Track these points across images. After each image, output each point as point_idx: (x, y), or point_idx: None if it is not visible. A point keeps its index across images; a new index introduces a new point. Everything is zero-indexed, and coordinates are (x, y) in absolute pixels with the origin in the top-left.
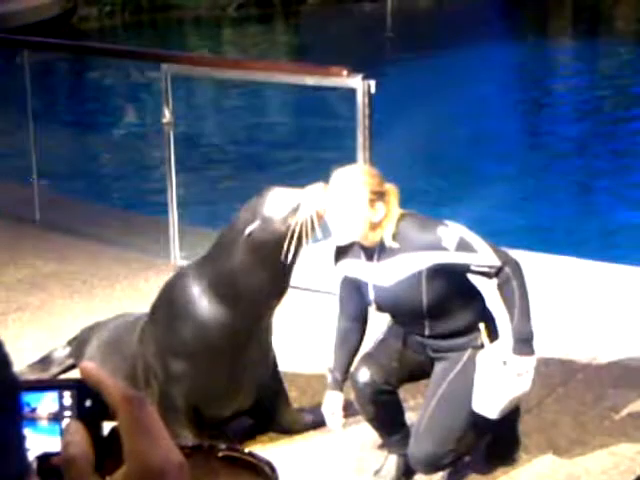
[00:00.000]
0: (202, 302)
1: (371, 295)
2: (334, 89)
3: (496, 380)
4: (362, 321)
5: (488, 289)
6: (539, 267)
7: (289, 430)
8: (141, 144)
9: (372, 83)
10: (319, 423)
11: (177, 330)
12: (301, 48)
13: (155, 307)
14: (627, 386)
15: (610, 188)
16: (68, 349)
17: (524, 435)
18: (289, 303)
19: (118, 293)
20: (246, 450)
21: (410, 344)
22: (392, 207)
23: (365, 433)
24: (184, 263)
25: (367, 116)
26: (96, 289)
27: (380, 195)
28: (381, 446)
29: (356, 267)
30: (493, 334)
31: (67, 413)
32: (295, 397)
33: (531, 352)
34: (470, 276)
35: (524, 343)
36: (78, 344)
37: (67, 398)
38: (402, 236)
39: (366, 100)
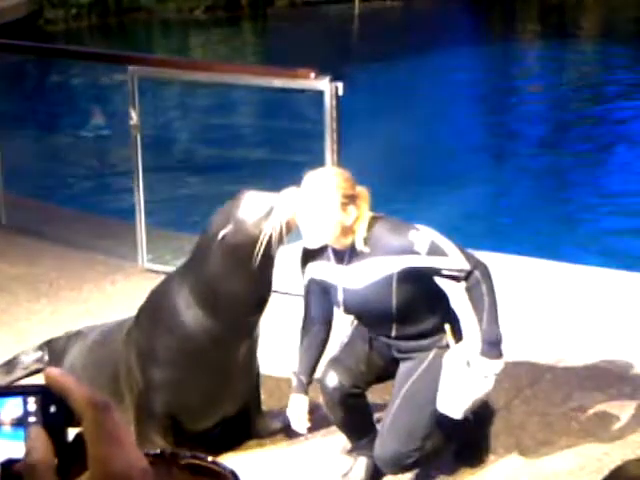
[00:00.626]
0: (183, 309)
1: (339, 298)
2: (303, 91)
3: (461, 381)
4: (327, 324)
5: (453, 290)
6: (507, 269)
7: (259, 435)
8: (108, 147)
9: (340, 85)
10: (288, 427)
11: (158, 337)
12: (269, 50)
13: (140, 313)
14: (594, 387)
15: (580, 188)
16: (37, 353)
17: (492, 436)
18: None
19: (85, 296)
20: (209, 458)
21: (376, 346)
22: (363, 210)
23: (333, 436)
24: (151, 266)
25: (335, 118)
26: (63, 292)
27: (352, 198)
28: (349, 449)
29: (325, 270)
30: (458, 335)
31: (31, 419)
32: (263, 400)
33: (499, 355)
34: (438, 279)
35: (492, 346)
36: (58, 350)
37: (31, 404)
38: (373, 240)
39: (334, 102)
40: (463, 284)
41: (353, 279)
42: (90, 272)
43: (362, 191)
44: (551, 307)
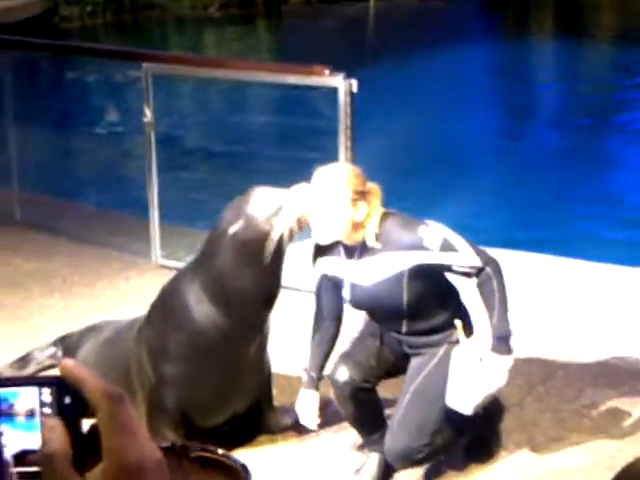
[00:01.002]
0: (193, 305)
1: (348, 294)
2: (317, 88)
3: (471, 376)
4: (337, 320)
5: (464, 285)
6: (519, 266)
7: (270, 431)
8: (123, 143)
9: (354, 82)
10: (299, 423)
11: (169, 333)
12: (283, 48)
13: (151, 309)
14: (606, 384)
15: (590, 188)
16: (51, 349)
17: (504, 433)
18: None
19: (98, 292)
20: (220, 451)
21: (386, 341)
22: (375, 206)
23: (345, 432)
24: (165, 262)
25: (349, 115)
26: (76, 288)
27: (362, 195)
28: (361, 445)
29: (335, 265)
30: (469, 330)
31: (46, 410)
32: (275, 396)
33: (509, 351)
34: (449, 274)
35: (503, 342)
36: (72, 345)
37: (46, 395)
38: (385, 236)
39: (348, 99)
40: (474, 280)
41: (363, 275)
42: (104, 268)
43: (373, 187)
44: (563, 304)
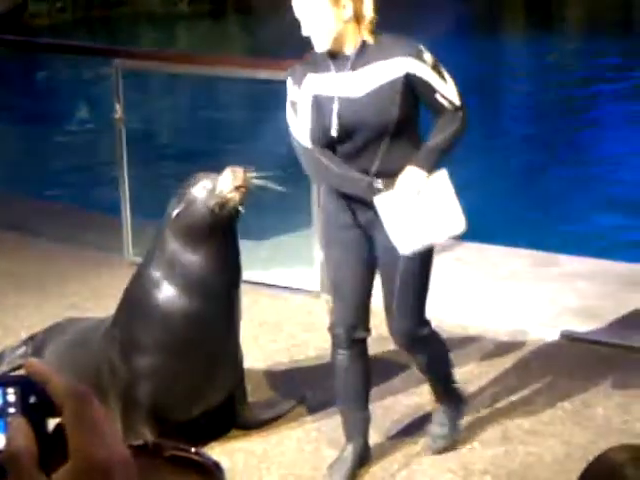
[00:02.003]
0: (158, 295)
1: (335, 110)
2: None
3: (402, 208)
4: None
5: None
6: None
7: (245, 426)
8: (93, 140)
9: None
10: (275, 418)
11: (137, 326)
12: (254, 42)
13: (119, 305)
14: (581, 376)
15: (563, 181)
16: (21, 349)
17: (478, 425)
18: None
19: (71, 290)
20: (193, 449)
21: (352, 209)
22: (364, 5)
23: (320, 426)
24: (137, 259)
25: None
26: (48, 286)
27: None
28: (337, 441)
29: (323, 80)
30: None
31: (11, 409)
32: (250, 391)
33: (426, 169)
34: (429, 101)
35: (424, 161)
36: (37, 345)
37: (11, 394)
38: (381, 44)
39: None
40: (442, 116)
41: (355, 86)
42: (75, 266)
43: None
44: (537, 296)
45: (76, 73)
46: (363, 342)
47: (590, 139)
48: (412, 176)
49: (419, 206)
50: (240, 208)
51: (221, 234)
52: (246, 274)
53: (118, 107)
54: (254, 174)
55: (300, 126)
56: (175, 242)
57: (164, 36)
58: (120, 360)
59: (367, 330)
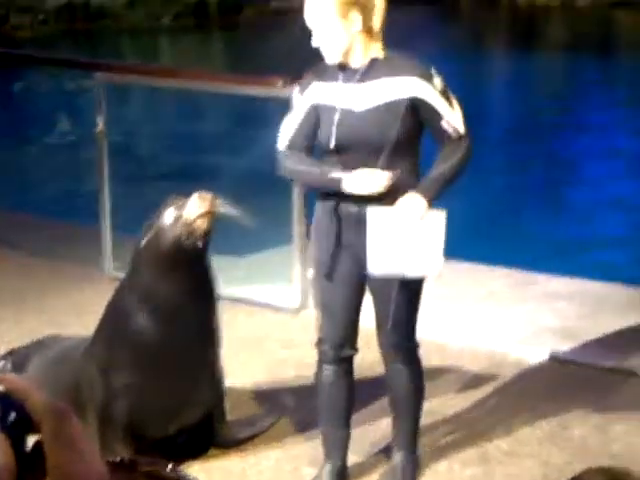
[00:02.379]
0: (134, 316)
1: (336, 121)
2: (270, 99)
3: (392, 230)
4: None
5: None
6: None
7: (224, 444)
8: (75, 153)
9: None
10: (253, 436)
11: (116, 345)
12: (238, 58)
13: (98, 324)
14: (559, 397)
15: (542, 200)
16: (1, 363)
17: (456, 446)
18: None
19: (50, 304)
20: (169, 466)
21: (345, 228)
22: (373, 18)
23: (299, 446)
24: (118, 274)
25: None
26: (27, 300)
27: (353, 4)
28: (316, 460)
29: (329, 90)
30: None
31: None
32: (229, 409)
33: (427, 199)
34: (434, 128)
35: (427, 190)
36: (19, 360)
37: None
38: (392, 61)
39: None
40: (447, 144)
41: (359, 99)
42: (55, 280)
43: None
44: (513, 316)
45: (58, 85)
46: (350, 360)
47: (569, 158)
48: (412, 203)
49: (408, 235)
50: (208, 234)
51: (191, 260)
52: (225, 291)
53: (100, 120)
54: (222, 200)
55: (285, 127)
56: (146, 270)
57: (147, 50)
58: (98, 377)
59: (354, 348)
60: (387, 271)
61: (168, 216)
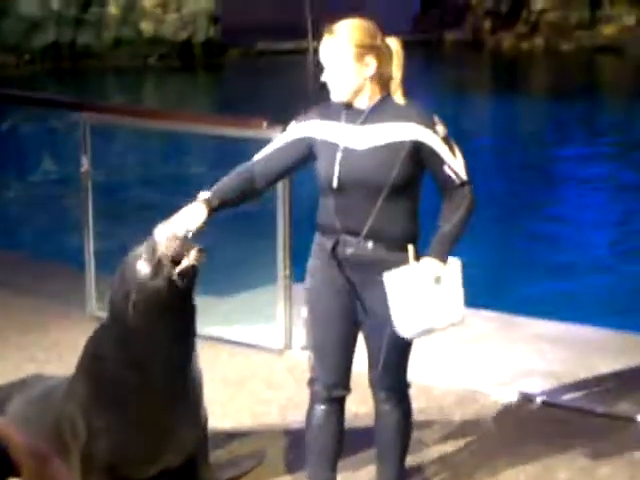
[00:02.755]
0: (113, 359)
1: (338, 160)
2: (256, 140)
3: (410, 296)
4: (268, 181)
5: None
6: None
7: None
8: (59, 191)
9: None
10: (236, 478)
11: (97, 387)
12: (222, 99)
13: (78, 363)
14: (544, 440)
15: (529, 242)
16: None
17: None
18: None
19: (31, 342)
20: None
21: (340, 267)
22: (388, 63)
23: None
24: (100, 313)
25: None
26: (10, 338)
27: (369, 49)
28: None
29: (331, 128)
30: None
31: None
32: (211, 449)
33: (445, 258)
34: (436, 173)
35: (440, 249)
36: (1, 400)
37: None
38: (397, 106)
39: None
40: (448, 191)
41: (361, 139)
42: (37, 318)
43: (390, 43)
44: (499, 359)
45: (43, 123)
46: (341, 400)
47: (553, 201)
48: (430, 266)
49: (430, 294)
50: (190, 273)
51: (170, 301)
52: (208, 330)
53: (85, 160)
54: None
55: (267, 147)
56: (124, 315)
57: (133, 90)
58: (80, 418)
59: (347, 389)
60: (417, 331)
61: (137, 261)
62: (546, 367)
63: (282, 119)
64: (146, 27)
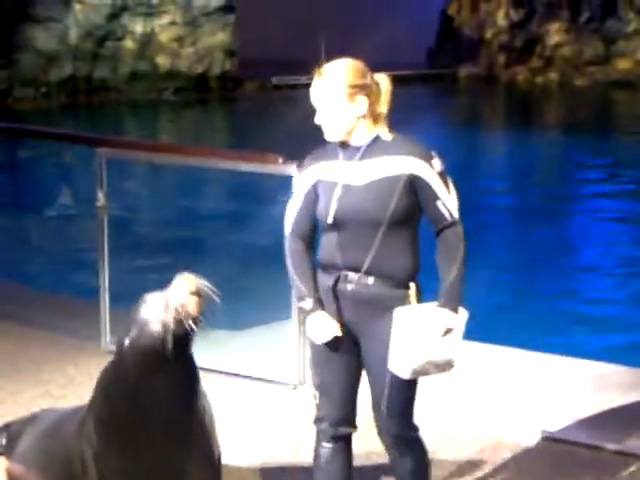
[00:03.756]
0: (125, 404)
1: (336, 197)
2: (272, 175)
3: (412, 337)
4: (311, 243)
5: None
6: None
7: None
8: (75, 225)
9: None
10: None
11: (109, 430)
12: (238, 132)
13: (90, 403)
14: (556, 478)
15: (533, 279)
16: None
17: None
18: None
19: (46, 377)
20: None
21: (345, 306)
22: (380, 102)
23: None
24: (114, 348)
25: None
26: (23, 373)
27: (361, 88)
28: None
29: (330, 168)
30: (420, 301)
31: None
32: None
33: (456, 309)
34: (429, 210)
35: (452, 299)
36: (13, 435)
37: None
38: (394, 142)
39: None
40: (442, 229)
41: (359, 175)
42: (51, 353)
43: (379, 81)
44: (514, 397)
45: (59, 156)
46: (348, 438)
47: (563, 237)
48: (444, 318)
49: (435, 342)
50: (196, 319)
51: (179, 348)
52: (221, 365)
53: (101, 195)
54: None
55: (288, 212)
56: (132, 368)
57: (149, 124)
58: (90, 460)
59: (353, 426)
60: (409, 372)
61: (150, 309)
62: (560, 404)
63: (297, 155)
64: (162, 61)
